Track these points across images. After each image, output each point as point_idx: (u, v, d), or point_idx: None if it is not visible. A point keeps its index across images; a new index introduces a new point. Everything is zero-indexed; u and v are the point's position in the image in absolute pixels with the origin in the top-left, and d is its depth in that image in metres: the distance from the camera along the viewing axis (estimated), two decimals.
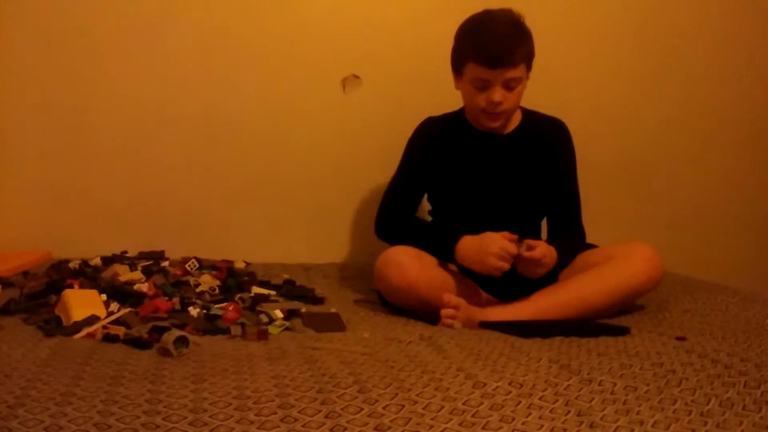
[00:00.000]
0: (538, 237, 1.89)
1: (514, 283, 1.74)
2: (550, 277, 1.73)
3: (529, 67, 1.76)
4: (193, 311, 1.55)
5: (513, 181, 1.84)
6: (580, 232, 1.87)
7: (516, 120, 1.87)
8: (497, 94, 1.71)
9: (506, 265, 1.63)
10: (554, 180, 1.86)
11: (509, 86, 1.72)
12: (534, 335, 1.44)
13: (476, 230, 1.81)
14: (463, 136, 1.85)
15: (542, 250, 1.63)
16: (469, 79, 1.74)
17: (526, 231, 1.84)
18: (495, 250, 1.62)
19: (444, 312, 1.61)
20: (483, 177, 1.84)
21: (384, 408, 1.00)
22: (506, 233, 1.65)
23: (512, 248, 1.63)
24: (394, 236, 1.82)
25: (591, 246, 1.86)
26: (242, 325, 1.49)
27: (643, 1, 2.54)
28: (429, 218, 1.99)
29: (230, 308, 1.59)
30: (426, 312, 1.66)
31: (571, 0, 2.48)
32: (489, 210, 1.84)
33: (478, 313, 1.64)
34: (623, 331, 1.51)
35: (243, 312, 1.58)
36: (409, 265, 1.68)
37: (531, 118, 1.89)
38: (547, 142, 1.87)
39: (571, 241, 1.81)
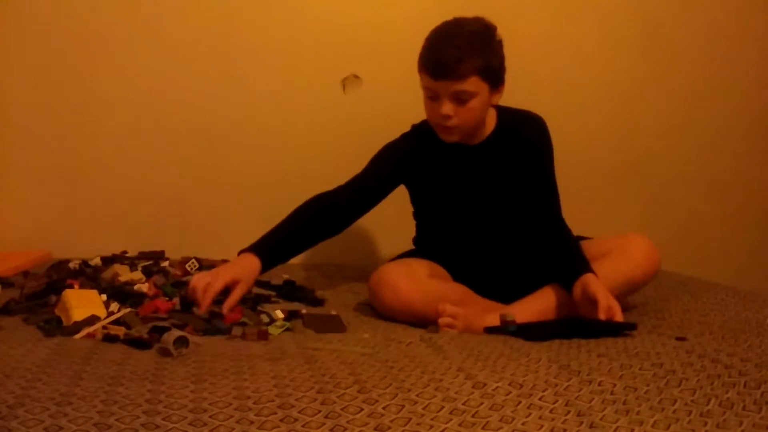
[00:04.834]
0: (525, 240, 1.82)
1: (512, 284, 1.74)
2: (549, 276, 1.72)
3: (491, 82, 1.66)
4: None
5: (488, 190, 1.80)
6: (567, 227, 1.81)
7: (490, 127, 1.80)
8: (445, 106, 1.64)
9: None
10: (534, 179, 1.80)
11: (460, 99, 1.64)
12: (540, 339, 1.42)
13: (460, 239, 1.81)
14: (433, 149, 1.80)
15: (602, 294, 1.55)
16: (422, 87, 1.70)
17: (512, 236, 1.82)
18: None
19: (441, 321, 1.58)
20: (457, 188, 1.81)
21: (384, 408, 1.00)
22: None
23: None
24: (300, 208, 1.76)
25: (584, 238, 1.84)
26: (242, 325, 1.49)
27: (644, 5, 2.54)
28: (413, 221, 1.96)
29: None
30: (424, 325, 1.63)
31: (573, 4, 2.48)
32: (471, 220, 1.82)
33: (479, 320, 1.60)
34: (630, 327, 1.50)
35: (243, 312, 1.58)
36: (402, 285, 1.64)
37: (506, 120, 1.81)
38: (524, 143, 1.80)
39: (573, 241, 1.78)
